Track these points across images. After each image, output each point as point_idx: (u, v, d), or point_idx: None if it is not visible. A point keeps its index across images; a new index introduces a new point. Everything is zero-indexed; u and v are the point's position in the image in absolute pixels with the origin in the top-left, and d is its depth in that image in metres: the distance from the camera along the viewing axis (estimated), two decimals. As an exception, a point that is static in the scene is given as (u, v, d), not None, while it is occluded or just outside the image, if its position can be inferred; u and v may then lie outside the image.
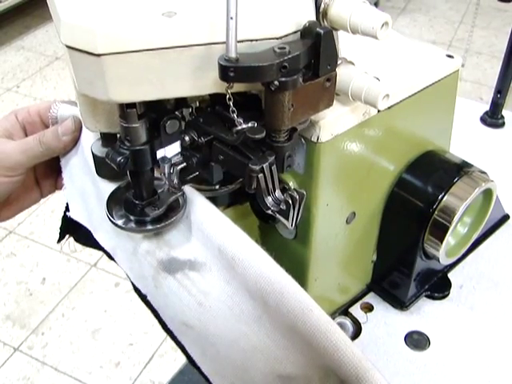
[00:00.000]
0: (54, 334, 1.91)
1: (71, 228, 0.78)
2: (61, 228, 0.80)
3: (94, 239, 0.71)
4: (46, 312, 1.98)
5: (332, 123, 0.60)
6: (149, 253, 0.62)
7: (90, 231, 0.72)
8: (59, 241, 0.82)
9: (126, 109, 0.54)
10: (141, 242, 0.63)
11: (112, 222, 0.61)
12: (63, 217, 0.77)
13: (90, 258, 2.12)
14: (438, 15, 3.82)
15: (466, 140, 0.97)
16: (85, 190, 0.72)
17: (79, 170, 0.72)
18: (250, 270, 0.55)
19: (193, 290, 0.59)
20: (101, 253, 2.00)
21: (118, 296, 2.00)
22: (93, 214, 0.71)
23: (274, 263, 0.56)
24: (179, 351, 0.61)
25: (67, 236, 0.81)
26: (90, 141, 0.70)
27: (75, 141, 0.72)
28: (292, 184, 0.65)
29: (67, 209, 0.75)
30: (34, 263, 2.14)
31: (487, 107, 1.24)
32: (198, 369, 0.61)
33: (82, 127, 0.72)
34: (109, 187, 0.66)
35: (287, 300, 0.53)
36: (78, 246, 0.81)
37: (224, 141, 0.55)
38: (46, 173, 0.78)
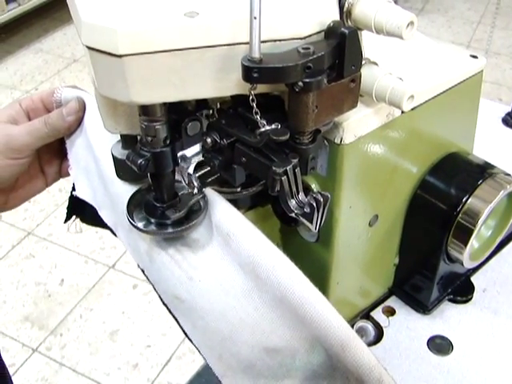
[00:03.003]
0: (72, 335, 1.91)
1: (78, 208, 0.80)
2: (68, 208, 0.82)
3: (100, 218, 0.73)
4: (64, 313, 1.98)
5: (355, 125, 0.59)
6: (125, 215, 0.63)
7: (95, 211, 0.73)
8: (66, 221, 0.83)
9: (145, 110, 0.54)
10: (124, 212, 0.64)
11: (132, 224, 0.61)
12: (70, 197, 0.79)
13: (108, 260, 2.13)
14: (456, 16, 3.79)
15: (488, 141, 0.95)
16: (89, 169, 0.73)
17: (83, 150, 0.73)
18: (244, 244, 0.57)
19: (183, 265, 0.60)
20: (119, 254, 2.01)
21: (135, 298, 2.00)
22: (97, 191, 0.72)
23: (267, 240, 0.58)
24: (197, 353, 0.62)
25: (74, 217, 0.83)
26: (92, 120, 0.71)
27: (79, 121, 0.73)
28: (314, 186, 0.64)
29: (74, 189, 0.77)
30: (53, 265, 2.15)
31: (508, 108, 1.22)
32: (191, 341, 0.62)
33: (85, 107, 0.73)
34: (128, 189, 0.66)
35: (278, 272, 0.55)
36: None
37: (247, 143, 0.55)
38: (51, 160, 0.78)
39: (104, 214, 0.72)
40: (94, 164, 0.71)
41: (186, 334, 0.62)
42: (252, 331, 0.57)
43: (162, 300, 0.64)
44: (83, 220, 0.84)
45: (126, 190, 0.66)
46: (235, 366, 0.59)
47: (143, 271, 0.66)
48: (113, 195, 0.68)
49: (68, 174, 0.78)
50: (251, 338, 0.57)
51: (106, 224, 0.72)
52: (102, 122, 0.60)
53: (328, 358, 0.55)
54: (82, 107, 0.73)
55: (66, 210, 0.83)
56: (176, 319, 0.63)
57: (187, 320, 0.62)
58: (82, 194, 0.76)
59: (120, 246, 2.11)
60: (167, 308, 0.64)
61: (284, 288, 0.55)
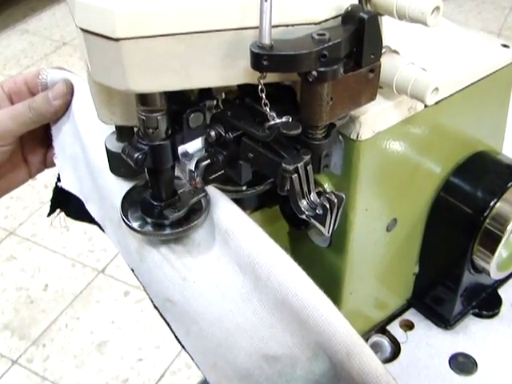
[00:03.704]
0: (57, 346, 1.92)
1: (62, 200, 0.81)
2: (52, 201, 0.82)
3: (86, 212, 0.73)
4: (47, 322, 1.99)
5: (374, 119, 0.59)
6: (119, 214, 0.63)
7: (81, 204, 0.74)
8: (49, 214, 0.84)
9: (144, 99, 0.54)
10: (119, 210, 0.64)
11: (127, 224, 0.61)
12: (54, 188, 0.80)
13: (98, 264, 2.14)
14: (486, 0, 3.79)
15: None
16: (76, 158, 0.73)
17: (70, 137, 0.74)
18: (244, 243, 0.58)
19: (177, 264, 0.61)
20: (109, 257, 2.03)
21: (127, 306, 2.01)
22: (84, 183, 0.73)
23: (269, 239, 0.58)
24: (194, 368, 0.63)
25: (58, 210, 0.84)
26: (81, 105, 0.71)
27: (67, 105, 0.74)
28: (327, 186, 0.65)
29: (59, 179, 0.77)
30: (36, 268, 2.16)
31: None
32: (183, 347, 0.63)
33: (73, 90, 0.73)
34: (118, 181, 0.67)
35: (279, 272, 0.56)
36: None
37: (254, 137, 0.55)
38: (34, 148, 0.79)
39: (91, 208, 0.73)
40: (82, 152, 0.72)
41: (178, 339, 0.63)
42: (250, 337, 0.58)
43: (153, 303, 0.65)
44: (68, 214, 0.84)
45: (116, 182, 0.66)
46: (231, 374, 0.59)
47: (133, 271, 0.67)
48: (101, 187, 0.69)
49: (53, 165, 0.79)
50: (249, 344, 0.58)
51: (93, 219, 0.73)
52: (95, 111, 0.61)
53: (332, 366, 0.55)
54: (70, 90, 0.73)
55: (55, 216, 0.84)
56: (168, 324, 0.64)
57: (180, 324, 0.62)
58: (67, 185, 0.76)
59: (111, 249, 2.12)
60: (158, 312, 0.64)
61: (285, 289, 0.55)
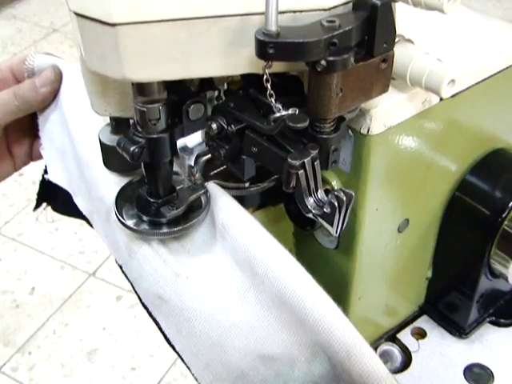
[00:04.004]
0: (43, 353, 1.92)
1: (49, 194, 0.81)
2: (38, 194, 0.83)
3: (74, 206, 0.74)
4: (34, 328, 1.99)
5: (386, 113, 0.60)
6: (114, 211, 0.64)
7: (69, 197, 0.74)
8: (35, 209, 0.85)
9: (142, 89, 0.55)
10: (113, 206, 0.65)
11: (121, 222, 0.62)
12: (41, 181, 0.80)
13: (88, 266, 2.14)
14: (506, -12, 3.79)
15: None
16: (64, 149, 0.74)
17: (58, 127, 0.74)
18: (241, 237, 0.58)
19: (169, 259, 0.61)
20: (101, 259, 2.03)
21: (119, 311, 2.01)
22: (72, 175, 0.73)
23: (267, 233, 0.59)
24: (190, 378, 0.63)
25: (45, 204, 0.84)
26: (70, 93, 0.72)
27: (55, 93, 0.74)
28: (335, 184, 0.65)
29: (46, 172, 0.78)
30: (22, 270, 2.16)
31: None
32: (173, 348, 0.63)
33: (62, 77, 0.74)
34: (106, 173, 0.67)
35: (277, 268, 0.56)
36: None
37: (259, 130, 0.55)
38: (20, 139, 0.79)
39: (79, 201, 0.73)
40: (70, 143, 0.72)
41: (167, 339, 0.63)
42: (245, 336, 0.58)
43: (141, 301, 0.65)
44: (55, 208, 0.85)
45: (104, 174, 0.67)
46: (224, 375, 0.59)
47: (121, 268, 0.67)
48: (88, 179, 0.69)
49: (40, 157, 0.79)
50: (244, 343, 0.58)
51: (81, 213, 0.73)
52: (88, 101, 0.61)
53: (332, 367, 0.55)
54: (58, 77, 0.73)
55: (41, 210, 0.84)
56: (156, 323, 0.64)
57: (170, 323, 0.62)
58: (55, 177, 0.77)
59: (102, 250, 2.12)
60: (147, 310, 0.65)
61: (283, 286, 0.56)
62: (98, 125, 0.68)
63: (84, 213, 0.73)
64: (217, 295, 0.59)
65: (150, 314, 0.64)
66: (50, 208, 0.85)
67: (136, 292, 0.66)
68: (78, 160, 0.70)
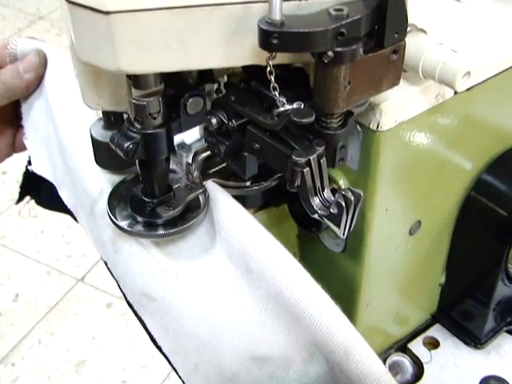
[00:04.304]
0: (28, 365, 1.92)
1: (33, 186, 0.82)
2: (21, 187, 0.84)
3: (59, 199, 0.74)
4: (17, 337, 1.99)
5: (396, 107, 0.60)
6: (106, 212, 0.64)
7: (53, 190, 0.75)
8: (18, 202, 0.86)
9: (138, 82, 0.55)
10: (98, 200, 0.65)
11: (114, 223, 0.62)
12: (24, 172, 0.81)
13: (76, 271, 2.14)
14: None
15: None
16: (49, 139, 0.74)
17: (43, 116, 0.75)
18: (236, 232, 0.59)
19: (157, 255, 0.62)
20: (90, 264, 2.03)
21: (109, 320, 2.01)
22: (57, 166, 0.74)
23: (262, 228, 0.59)
24: None
25: (28, 198, 0.85)
26: (55, 79, 0.72)
27: (39, 79, 0.74)
28: (342, 183, 0.66)
29: (29, 163, 0.79)
30: (5, 275, 2.16)
31: None
32: (160, 349, 0.63)
33: (47, 62, 0.74)
34: (91, 164, 0.68)
35: (273, 264, 0.57)
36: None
37: (261, 125, 0.56)
38: (2, 129, 0.80)
39: (64, 194, 0.74)
40: (54, 132, 0.73)
41: (153, 340, 0.64)
42: (238, 336, 0.59)
43: (127, 300, 0.66)
44: (39, 202, 0.85)
45: (89, 165, 0.67)
46: (214, 378, 0.60)
47: (106, 264, 0.68)
48: (72, 170, 0.70)
49: (24, 149, 0.80)
50: (236, 343, 0.59)
51: (66, 207, 0.74)
52: (80, 94, 0.62)
53: (329, 369, 0.56)
54: (43, 62, 0.74)
55: (24, 204, 0.84)
56: (143, 323, 0.64)
57: (157, 322, 0.63)
58: (38, 168, 0.77)
59: (91, 254, 2.12)
60: (132, 309, 0.65)
61: (279, 283, 0.56)
62: (84, 113, 0.68)
63: (68, 206, 0.73)
64: (208, 293, 0.60)
65: (136, 314, 0.65)
66: (33, 202, 0.85)
67: (122, 290, 0.66)
68: (62, 150, 0.71)
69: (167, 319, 0.61)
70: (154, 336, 0.63)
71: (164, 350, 0.63)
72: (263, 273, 0.57)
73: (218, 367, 0.59)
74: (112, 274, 0.67)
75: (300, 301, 0.55)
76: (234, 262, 0.60)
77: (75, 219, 0.74)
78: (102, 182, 0.67)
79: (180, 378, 0.62)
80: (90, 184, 0.66)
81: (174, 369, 0.63)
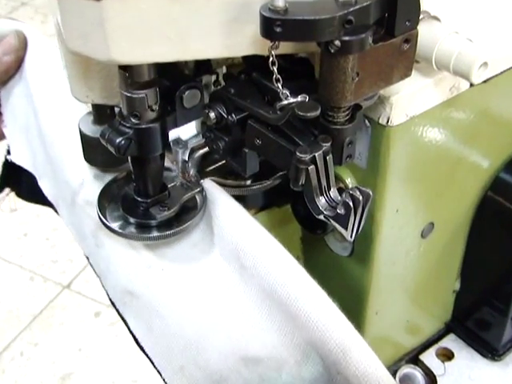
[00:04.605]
0: (9, 378, 1.92)
1: (13, 177, 0.82)
2: (0, 177, 0.84)
3: (39, 191, 0.75)
4: (-1, 348, 1.99)
5: (408, 100, 0.60)
6: (88, 203, 0.65)
7: (33, 181, 0.75)
8: None
9: (130, 73, 0.55)
10: (79, 190, 0.66)
11: (105, 224, 0.63)
12: (4, 163, 0.81)
13: (62, 277, 2.14)
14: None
15: None
16: (29, 127, 0.75)
17: (23, 102, 0.75)
18: (229, 228, 0.60)
19: (142, 250, 0.63)
20: (77, 269, 2.02)
21: (98, 330, 2.01)
22: (37, 156, 0.74)
23: (256, 223, 0.60)
24: None
25: (8, 190, 0.85)
26: (36, 62, 0.72)
27: (19, 62, 0.74)
28: (350, 181, 0.66)
29: (9, 152, 0.79)
30: (-15, 281, 2.16)
31: None
32: (143, 349, 0.64)
33: (27, 45, 0.74)
34: (73, 153, 0.68)
35: (267, 259, 0.58)
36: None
37: (263, 119, 0.56)
38: None
39: (44, 185, 0.74)
40: (35, 119, 0.73)
41: (136, 340, 0.64)
42: (227, 336, 0.59)
43: (109, 297, 0.66)
44: (19, 194, 0.86)
45: (70, 154, 0.68)
46: (201, 380, 0.60)
47: (88, 259, 0.68)
48: (53, 160, 0.70)
49: (2, 137, 0.80)
50: (225, 343, 0.59)
51: (47, 199, 0.74)
52: (69, 87, 0.62)
53: (325, 370, 0.56)
54: (23, 44, 0.74)
55: (4, 197, 0.84)
56: (125, 322, 0.65)
57: (141, 321, 0.63)
58: (18, 158, 0.77)
59: (78, 259, 2.12)
60: (115, 308, 0.65)
61: (274, 279, 0.57)
62: (67, 99, 0.68)
63: (49, 198, 0.74)
64: (196, 289, 0.60)
65: (120, 314, 0.65)
66: (13, 194, 0.85)
67: (104, 288, 0.67)
68: (42, 138, 0.71)
69: (151, 317, 0.62)
70: (137, 336, 0.64)
71: (147, 350, 0.63)
72: (257, 269, 0.58)
73: (205, 369, 0.60)
74: (94, 271, 0.67)
75: (295, 298, 0.56)
76: (227, 258, 0.60)
77: (57, 212, 0.74)
78: (84, 172, 0.67)
79: (164, 380, 0.62)
80: (71, 174, 0.67)
81: (158, 371, 0.63)
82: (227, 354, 0.59)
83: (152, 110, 0.57)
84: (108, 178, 0.67)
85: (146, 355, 0.63)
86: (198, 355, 0.60)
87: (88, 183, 0.66)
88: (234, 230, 0.59)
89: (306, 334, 0.56)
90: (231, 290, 0.60)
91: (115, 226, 0.63)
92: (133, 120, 0.57)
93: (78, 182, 0.65)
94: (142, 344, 0.63)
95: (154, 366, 0.63)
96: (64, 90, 0.65)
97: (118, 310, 0.65)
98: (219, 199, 0.63)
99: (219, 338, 0.59)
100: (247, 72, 0.58)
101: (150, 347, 0.63)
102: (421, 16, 0.54)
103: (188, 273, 0.61)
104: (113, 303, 0.65)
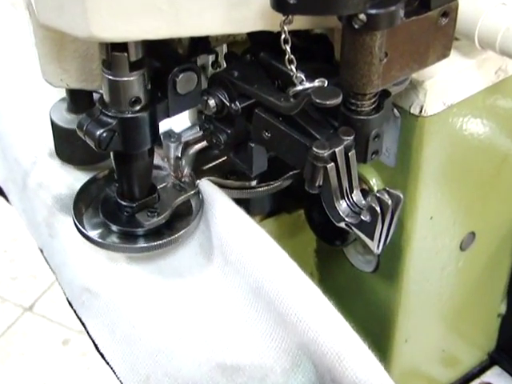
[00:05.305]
0: (-41, 419, 1.92)
1: None
2: None
3: None
4: None
5: (446, 86, 0.61)
6: (42, 186, 0.66)
7: None
8: None
9: (113, 52, 0.55)
10: (31, 169, 0.66)
11: (81, 232, 0.63)
12: None
13: (23, 297, 2.13)
14: None
15: None
16: None
17: None
18: (218, 220, 0.61)
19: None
20: (40, 289, 2.02)
21: (66, 361, 2.00)
22: None
23: (244, 214, 0.61)
24: None
25: None
26: None
27: None
28: (375, 183, 0.66)
29: None
30: None
31: None
32: (102, 356, 0.64)
33: None
34: (34, 136, 0.69)
35: (253, 253, 0.58)
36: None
37: (273, 108, 0.56)
38: None
39: None
40: None
41: (96, 346, 0.64)
42: (203, 340, 0.60)
43: (66, 297, 0.67)
44: None
45: (21, 130, 0.68)
46: None
47: (42, 252, 0.69)
48: (2, 136, 0.71)
49: None
50: (200, 350, 0.59)
51: None
52: (40, 69, 0.62)
53: (317, 379, 0.57)
54: None
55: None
56: (84, 325, 0.65)
57: (101, 323, 0.64)
58: None
59: (42, 275, 2.12)
60: (72, 308, 0.66)
61: (261, 274, 0.58)
62: (21, 68, 0.68)
63: None
64: (166, 286, 0.61)
65: (77, 314, 0.66)
66: None
67: (60, 285, 0.67)
68: None
69: (114, 319, 0.62)
70: (96, 340, 0.64)
71: (107, 357, 0.63)
72: (242, 263, 0.58)
73: (175, 377, 0.60)
74: (49, 265, 0.68)
75: (285, 296, 0.56)
76: (206, 253, 0.61)
77: (6, 199, 0.75)
78: (37, 148, 0.67)
79: None
80: (22, 152, 0.67)
81: (121, 382, 0.63)
82: (202, 362, 0.59)
83: (122, 101, 0.57)
84: None
85: (108, 363, 0.63)
86: (168, 362, 0.60)
87: (41, 162, 0.66)
88: (218, 223, 0.60)
89: (297, 336, 0.56)
90: (210, 287, 0.60)
91: (94, 234, 0.63)
92: (112, 108, 0.57)
93: (30, 161, 0.66)
94: (102, 350, 0.63)
95: (117, 376, 0.63)
96: (31, 72, 0.66)
97: (75, 311, 0.65)
98: (218, 203, 0.63)
99: (193, 344, 0.60)
100: (253, 51, 0.59)
101: (112, 353, 0.63)
102: (461, -15, 0.55)
103: (158, 266, 0.62)
104: (70, 303, 0.66)
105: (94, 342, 0.64)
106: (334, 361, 0.54)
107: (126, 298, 0.61)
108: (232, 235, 0.59)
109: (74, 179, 0.65)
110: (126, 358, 0.62)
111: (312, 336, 0.55)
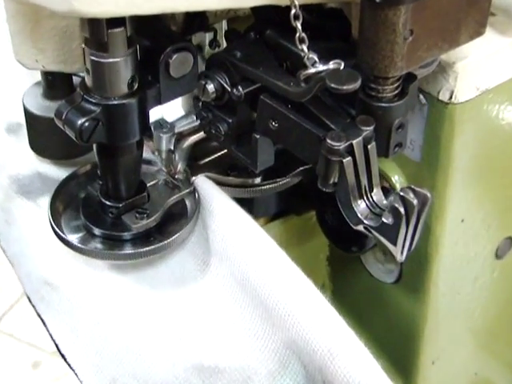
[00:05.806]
0: None
1: None
2: None
3: None
4: None
5: (479, 68, 0.61)
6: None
7: None
8: None
9: (98, 29, 0.55)
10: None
11: (59, 236, 0.63)
12: None
13: (-14, 312, 2.14)
14: None
15: None
16: None
17: None
18: (217, 223, 0.62)
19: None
20: (6, 304, 2.03)
21: (37, 386, 2.01)
22: None
23: (234, 203, 0.62)
24: None
25: None
26: None
27: None
28: (398, 180, 0.67)
29: None
30: None
31: None
32: (64, 357, 0.64)
33: None
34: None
35: (239, 240, 0.60)
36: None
37: (281, 94, 0.56)
38: None
39: None
40: None
41: (56, 345, 0.64)
42: (177, 338, 0.60)
43: (24, 291, 0.67)
44: None
45: None
46: None
47: None
48: None
49: None
50: (174, 349, 0.60)
51: None
52: (12, 48, 0.62)
53: (307, 381, 0.57)
54: None
55: None
56: (44, 323, 0.65)
57: (61, 320, 0.64)
58: None
59: (10, 288, 2.12)
60: (31, 304, 0.66)
61: (245, 265, 0.58)
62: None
63: None
64: (136, 279, 0.62)
65: (36, 310, 0.66)
66: None
67: (18, 278, 0.67)
68: None
69: (75, 315, 0.62)
70: (56, 339, 0.64)
71: (68, 358, 0.63)
72: (227, 252, 0.59)
73: (145, 379, 0.60)
74: (6, 256, 0.68)
75: (273, 288, 0.57)
76: (187, 247, 0.62)
77: None
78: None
79: None
80: None
81: None
82: (175, 362, 0.59)
83: (107, 85, 0.57)
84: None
85: (69, 365, 0.63)
86: (136, 363, 0.60)
87: None
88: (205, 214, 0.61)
89: (286, 333, 0.57)
90: (188, 280, 0.61)
91: (74, 238, 0.63)
92: (101, 94, 0.57)
93: None
94: (63, 351, 0.63)
95: (79, 380, 0.63)
96: (2, 51, 0.66)
97: (34, 307, 0.65)
98: (216, 203, 0.63)
99: (167, 342, 0.60)
100: (258, 29, 0.59)
101: (73, 353, 0.63)
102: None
103: (133, 260, 0.62)
104: (29, 298, 0.66)
105: (54, 341, 0.64)
106: (325, 358, 0.55)
107: (89, 291, 0.62)
108: (233, 239, 0.59)
109: (35, 158, 0.66)
110: (89, 360, 0.62)
111: (301, 331, 0.56)
